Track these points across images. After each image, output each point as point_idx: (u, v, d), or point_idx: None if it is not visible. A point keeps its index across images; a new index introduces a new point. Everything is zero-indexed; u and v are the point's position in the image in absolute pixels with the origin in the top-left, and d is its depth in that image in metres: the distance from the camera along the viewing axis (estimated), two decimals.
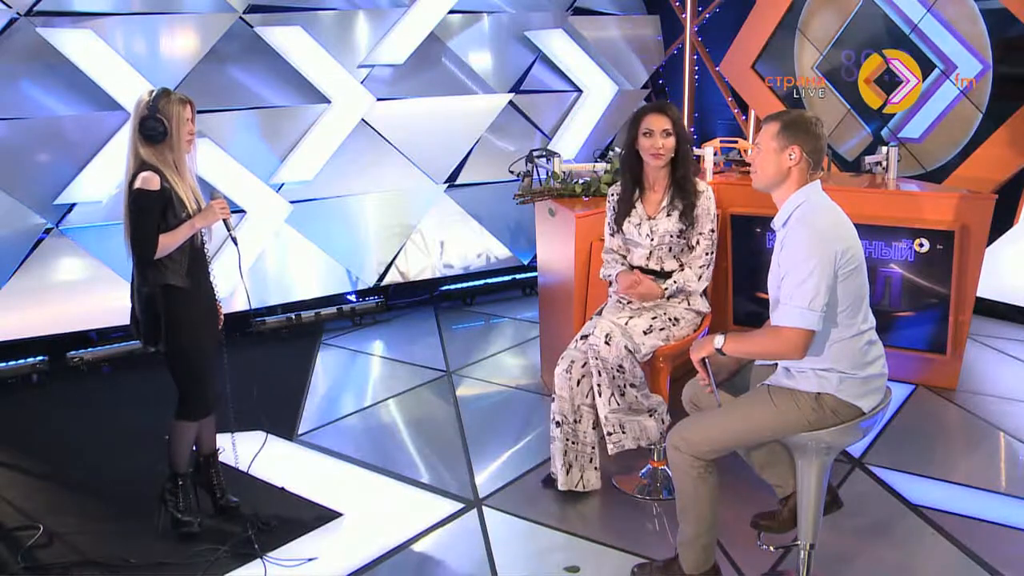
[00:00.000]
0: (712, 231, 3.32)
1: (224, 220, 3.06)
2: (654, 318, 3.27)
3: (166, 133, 2.92)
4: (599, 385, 3.20)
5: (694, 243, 3.32)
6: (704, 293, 3.42)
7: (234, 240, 3.15)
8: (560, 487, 3.35)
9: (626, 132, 3.35)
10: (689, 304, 3.34)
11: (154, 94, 2.95)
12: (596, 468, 3.37)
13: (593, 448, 3.35)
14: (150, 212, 2.90)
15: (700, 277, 3.33)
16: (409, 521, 3.27)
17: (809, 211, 2.43)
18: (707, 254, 3.32)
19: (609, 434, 3.22)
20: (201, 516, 3.21)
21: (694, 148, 3.29)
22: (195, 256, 3.05)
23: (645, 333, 3.22)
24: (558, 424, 3.31)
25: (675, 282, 3.30)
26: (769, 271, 2.53)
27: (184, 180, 3.00)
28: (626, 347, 3.15)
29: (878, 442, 3.80)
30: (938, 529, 3.12)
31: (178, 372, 3.07)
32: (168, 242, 2.93)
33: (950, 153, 5.56)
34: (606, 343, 3.15)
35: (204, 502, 3.30)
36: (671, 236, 3.29)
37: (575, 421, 3.31)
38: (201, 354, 3.08)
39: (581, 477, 3.35)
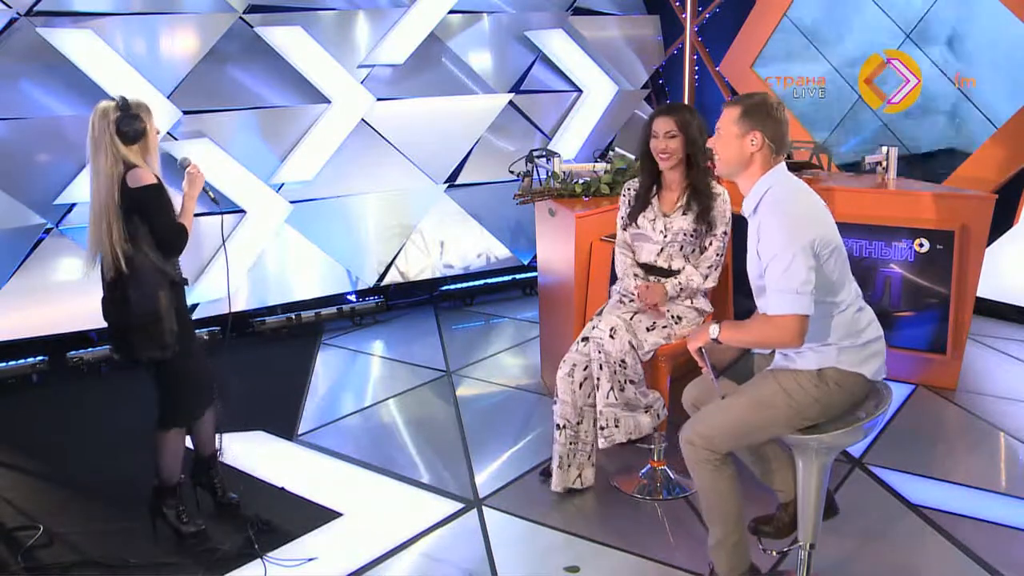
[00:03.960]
0: (725, 233, 3.36)
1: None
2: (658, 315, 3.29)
3: (145, 130, 2.89)
4: (599, 379, 3.21)
5: (707, 244, 3.36)
6: (705, 293, 3.43)
7: (216, 202, 3.22)
8: (553, 487, 3.37)
9: (642, 132, 3.37)
10: (692, 303, 3.36)
11: (116, 102, 2.87)
12: (593, 465, 3.42)
13: (593, 446, 3.39)
14: (165, 202, 2.90)
15: (707, 277, 3.35)
16: (409, 521, 3.27)
17: (780, 195, 2.42)
18: (717, 255, 3.36)
19: (602, 428, 3.23)
20: (202, 518, 3.19)
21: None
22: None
23: (648, 330, 3.26)
24: (560, 428, 3.33)
25: (679, 283, 3.32)
26: (747, 262, 2.52)
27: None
28: (630, 342, 3.20)
29: (878, 442, 3.79)
30: (938, 529, 3.12)
31: (168, 378, 3.02)
32: (189, 224, 2.97)
33: (950, 153, 5.56)
34: (611, 336, 3.19)
35: (204, 502, 3.30)
36: (684, 234, 3.32)
37: (577, 423, 3.34)
38: (188, 356, 3.03)
39: (580, 475, 3.40)
